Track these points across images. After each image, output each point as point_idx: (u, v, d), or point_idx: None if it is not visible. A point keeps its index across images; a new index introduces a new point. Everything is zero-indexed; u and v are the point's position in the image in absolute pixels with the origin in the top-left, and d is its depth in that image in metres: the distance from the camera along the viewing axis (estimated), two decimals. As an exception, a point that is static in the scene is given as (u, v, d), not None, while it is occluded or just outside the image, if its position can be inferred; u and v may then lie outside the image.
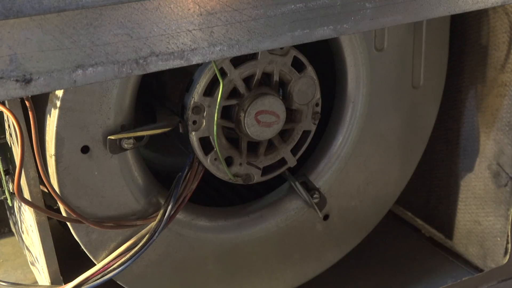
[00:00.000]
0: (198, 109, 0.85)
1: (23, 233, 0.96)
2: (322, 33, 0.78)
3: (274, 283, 1.05)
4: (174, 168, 0.92)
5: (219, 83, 0.84)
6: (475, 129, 1.08)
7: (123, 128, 0.82)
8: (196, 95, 0.84)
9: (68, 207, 0.79)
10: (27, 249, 0.96)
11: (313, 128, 0.96)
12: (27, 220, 0.87)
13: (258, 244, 1.02)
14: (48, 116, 0.77)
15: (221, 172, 0.90)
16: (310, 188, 1.02)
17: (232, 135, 0.90)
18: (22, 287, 0.95)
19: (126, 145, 0.81)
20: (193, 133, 0.86)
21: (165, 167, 1.14)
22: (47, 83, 0.65)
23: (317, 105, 0.94)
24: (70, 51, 0.66)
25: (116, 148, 0.81)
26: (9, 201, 0.88)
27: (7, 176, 0.86)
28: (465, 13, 0.87)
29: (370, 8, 0.79)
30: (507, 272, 1.12)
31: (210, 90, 0.85)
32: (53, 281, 0.84)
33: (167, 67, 0.71)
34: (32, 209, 0.80)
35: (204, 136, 0.87)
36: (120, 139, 0.80)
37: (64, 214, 0.83)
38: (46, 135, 0.79)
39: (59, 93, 0.75)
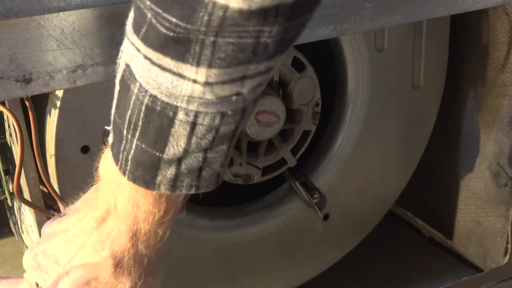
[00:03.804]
0: (198, 109, 0.85)
1: (23, 233, 0.96)
2: (322, 33, 0.78)
3: (274, 283, 1.05)
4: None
5: (219, 83, 0.84)
6: (475, 129, 1.08)
7: (123, 128, 0.81)
8: (196, 95, 0.84)
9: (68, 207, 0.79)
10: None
11: (313, 128, 0.96)
12: (27, 220, 0.87)
13: (258, 244, 1.01)
14: (48, 116, 0.77)
15: (221, 172, 0.90)
16: (310, 188, 1.02)
17: (232, 135, 0.90)
18: (22, 287, 0.95)
19: (126, 145, 0.81)
20: (193, 133, 0.86)
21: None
22: (47, 83, 0.65)
23: (317, 105, 0.94)
24: (70, 51, 0.66)
25: (116, 148, 0.81)
26: (9, 201, 0.88)
27: (7, 176, 0.86)
28: (465, 13, 0.87)
29: (370, 8, 0.79)
30: (507, 272, 1.12)
31: (210, 90, 0.85)
32: (53, 281, 0.84)
33: (167, 67, 0.71)
34: (32, 209, 0.80)
35: (204, 136, 0.87)
36: (120, 139, 0.80)
37: (64, 214, 0.83)
38: (46, 135, 0.78)
39: (59, 93, 0.75)
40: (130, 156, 0.53)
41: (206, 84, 0.48)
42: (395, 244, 1.23)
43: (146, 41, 0.48)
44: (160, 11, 0.46)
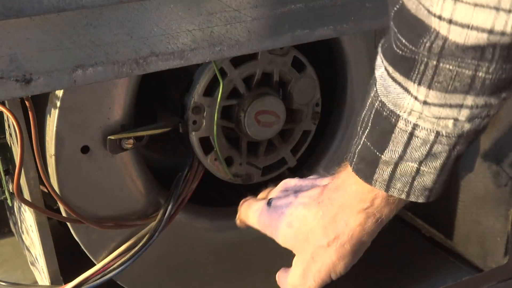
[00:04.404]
0: (198, 109, 0.85)
1: (23, 233, 0.96)
2: (322, 33, 0.78)
3: (274, 283, 1.05)
4: (174, 168, 0.92)
5: (219, 83, 0.84)
6: (475, 129, 1.08)
7: (123, 128, 0.82)
8: (196, 95, 0.84)
9: (68, 207, 0.79)
10: (27, 249, 0.96)
11: (313, 128, 0.96)
12: (27, 220, 0.87)
13: (258, 244, 1.01)
14: (48, 116, 0.77)
15: (221, 172, 0.90)
16: (310, 188, 1.02)
17: (232, 135, 0.90)
18: (22, 287, 0.95)
19: (126, 145, 0.81)
20: (193, 133, 0.86)
21: (165, 167, 1.13)
22: (47, 83, 0.66)
23: (317, 105, 0.94)
24: (70, 51, 0.66)
25: (116, 148, 0.81)
26: (9, 201, 0.88)
27: (7, 176, 0.86)
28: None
29: (370, 8, 0.79)
30: (507, 272, 1.12)
31: (210, 90, 0.85)
32: (53, 281, 0.84)
33: (167, 67, 0.71)
34: (32, 209, 0.80)
35: (204, 136, 0.87)
36: (120, 139, 0.80)
37: (64, 214, 0.83)
38: (46, 135, 0.79)
39: (59, 93, 0.75)
40: (357, 150, 0.60)
41: (425, 103, 0.54)
42: (395, 244, 1.23)
43: (385, 55, 0.57)
44: (396, 31, 0.54)
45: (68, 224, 0.83)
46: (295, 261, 0.71)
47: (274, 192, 0.76)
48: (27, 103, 0.72)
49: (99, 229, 0.84)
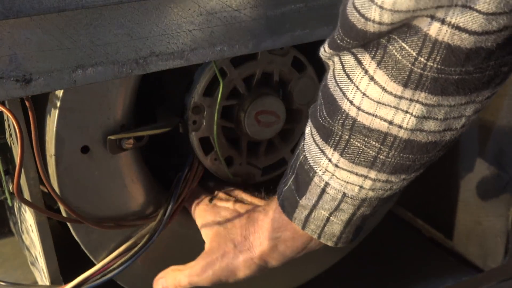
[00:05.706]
0: (198, 109, 0.85)
1: (23, 233, 0.96)
2: (322, 33, 0.79)
3: (274, 283, 1.05)
4: (174, 168, 0.92)
5: (219, 83, 0.84)
6: (475, 129, 1.08)
7: (123, 128, 0.82)
8: (196, 95, 0.84)
9: (68, 207, 0.79)
10: (27, 249, 0.96)
11: (313, 128, 0.96)
12: (27, 220, 0.87)
13: (258, 244, 1.01)
14: (48, 116, 0.77)
15: (221, 172, 0.90)
16: (310, 188, 1.02)
17: (232, 135, 0.90)
18: (22, 287, 0.95)
19: (126, 145, 0.81)
20: (193, 133, 0.86)
21: (165, 167, 1.14)
22: (47, 83, 0.66)
23: (317, 105, 0.94)
24: (70, 51, 0.66)
25: (116, 148, 0.81)
26: (9, 201, 0.88)
27: (7, 176, 0.86)
28: (465, 13, 0.87)
29: (370, 8, 0.79)
30: (507, 272, 1.12)
31: (210, 90, 0.85)
32: (53, 281, 0.84)
33: (167, 67, 0.72)
34: (32, 209, 0.80)
35: (204, 136, 0.87)
36: (120, 139, 0.80)
37: (64, 214, 0.83)
38: (46, 135, 0.78)
39: (59, 93, 0.75)
40: (284, 189, 0.70)
41: (336, 166, 0.63)
42: (395, 244, 1.23)
43: (312, 118, 0.65)
44: (321, 102, 0.62)
45: (68, 224, 0.83)
46: (201, 256, 0.80)
47: (221, 193, 0.88)
48: (27, 103, 0.72)
49: (99, 229, 0.84)
